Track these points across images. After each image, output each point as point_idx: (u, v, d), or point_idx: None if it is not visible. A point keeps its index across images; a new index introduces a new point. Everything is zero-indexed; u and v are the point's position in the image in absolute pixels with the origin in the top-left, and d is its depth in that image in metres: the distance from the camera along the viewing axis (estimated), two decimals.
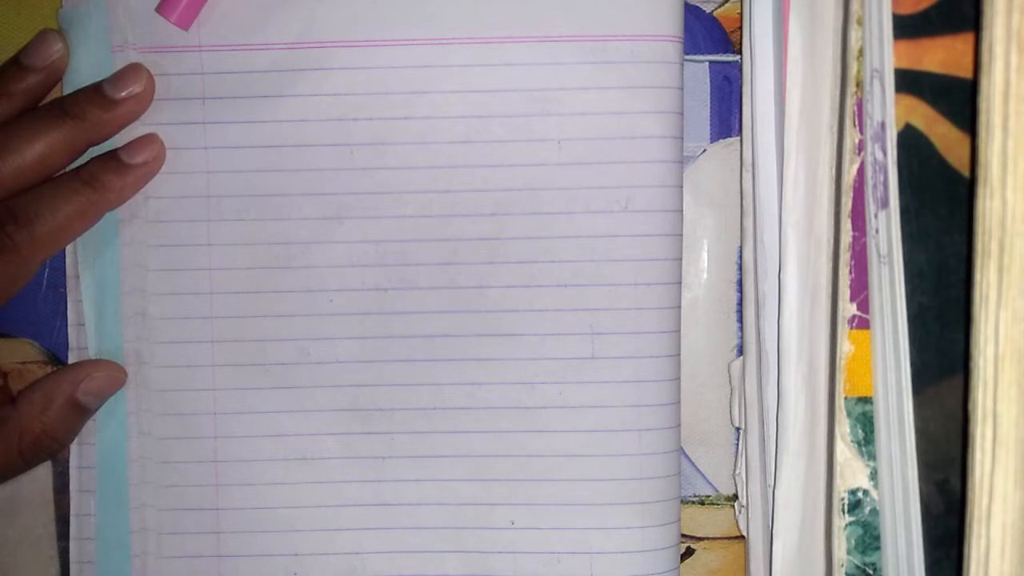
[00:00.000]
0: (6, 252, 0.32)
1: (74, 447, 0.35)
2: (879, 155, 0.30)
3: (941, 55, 0.30)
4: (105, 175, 0.34)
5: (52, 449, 0.34)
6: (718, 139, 0.36)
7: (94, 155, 0.34)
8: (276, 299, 0.35)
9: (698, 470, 0.36)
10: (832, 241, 0.32)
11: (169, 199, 0.35)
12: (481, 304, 0.34)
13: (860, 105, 0.31)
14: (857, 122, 0.31)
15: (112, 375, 0.34)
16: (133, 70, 0.34)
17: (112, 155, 0.34)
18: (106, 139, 0.34)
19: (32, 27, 0.35)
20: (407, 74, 0.34)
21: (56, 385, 0.34)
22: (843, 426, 0.31)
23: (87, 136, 0.34)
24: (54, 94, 0.35)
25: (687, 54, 0.35)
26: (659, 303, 0.34)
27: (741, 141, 0.35)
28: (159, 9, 0.34)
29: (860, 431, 0.31)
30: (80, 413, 0.34)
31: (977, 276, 0.27)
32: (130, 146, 0.34)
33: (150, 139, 0.34)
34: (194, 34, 0.34)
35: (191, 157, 0.35)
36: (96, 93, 0.34)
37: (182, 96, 0.34)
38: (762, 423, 0.34)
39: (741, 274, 0.36)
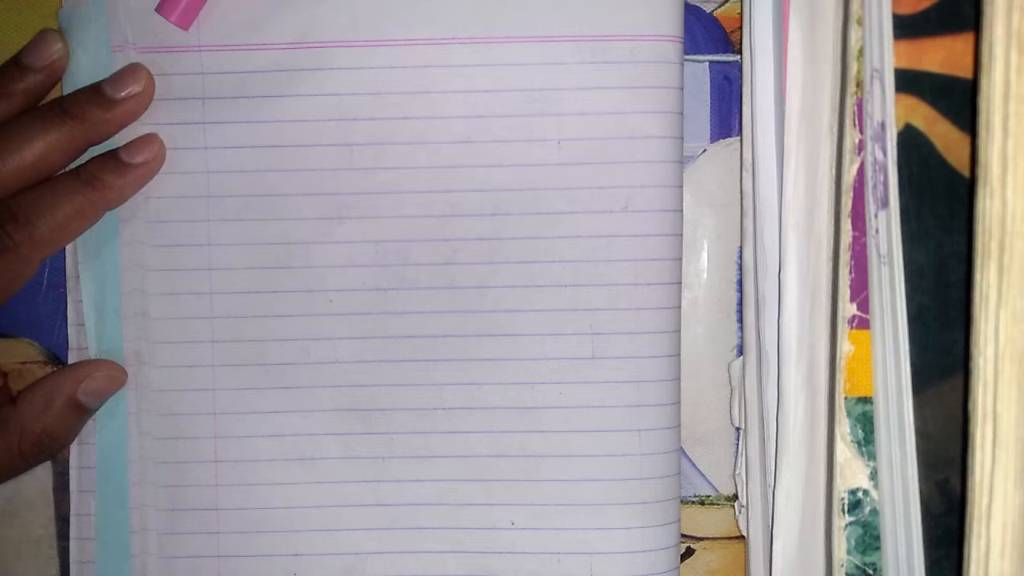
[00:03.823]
0: (6, 252, 0.32)
1: (74, 447, 0.35)
2: (879, 155, 0.30)
3: (941, 55, 0.30)
4: (105, 174, 0.34)
5: (52, 449, 0.34)
6: (718, 139, 0.36)
7: (94, 155, 0.34)
8: (276, 299, 0.35)
9: (698, 470, 0.36)
10: (832, 241, 0.32)
11: (169, 199, 0.35)
12: (481, 304, 0.34)
13: (860, 105, 0.31)
14: (857, 122, 0.31)
15: (112, 375, 0.34)
16: (133, 70, 0.34)
17: (112, 155, 0.34)
18: (106, 139, 0.34)
19: (32, 27, 0.35)
20: (407, 74, 0.34)
21: (56, 385, 0.34)
22: (843, 426, 0.31)
23: (87, 136, 0.34)
24: (54, 94, 0.35)
25: (687, 54, 0.35)
26: (659, 303, 0.34)
27: (741, 141, 0.35)
28: (159, 9, 0.34)
29: (860, 431, 0.31)
30: (80, 413, 0.34)
31: (977, 276, 0.27)
32: (130, 146, 0.34)
33: (150, 139, 0.34)
34: (194, 34, 0.34)
35: (191, 157, 0.35)
36: (96, 93, 0.34)
37: (182, 96, 0.34)
38: (762, 423, 0.34)
39: (741, 274, 0.36)
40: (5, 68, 0.34)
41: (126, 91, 0.34)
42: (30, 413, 0.33)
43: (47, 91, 0.34)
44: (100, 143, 0.34)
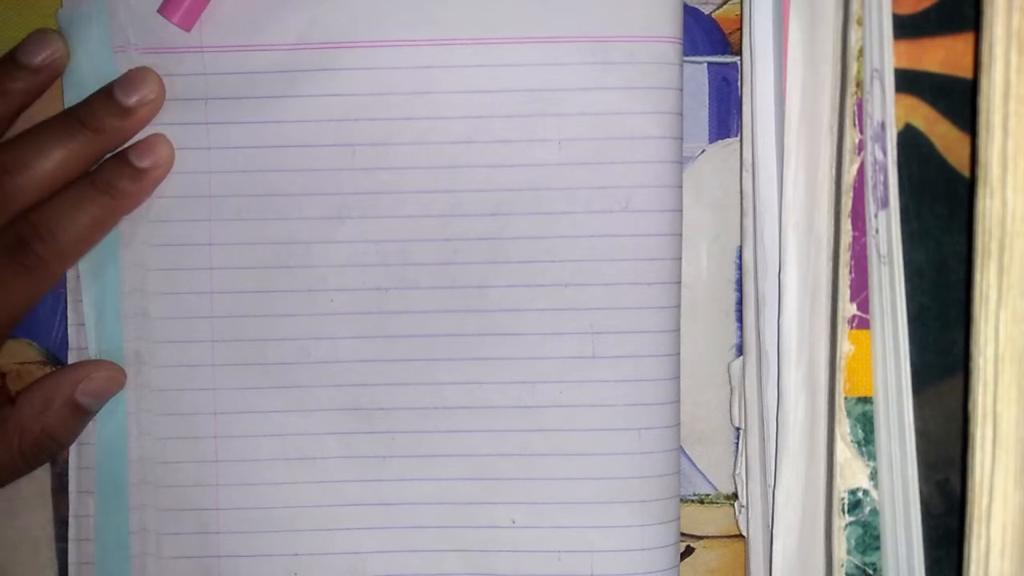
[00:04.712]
0: (35, 269, 0.32)
1: (73, 448, 0.35)
2: (879, 155, 0.30)
3: (941, 55, 0.30)
4: (120, 181, 0.33)
5: (52, 450, 0.34)
6: (717, 140, 0.36)
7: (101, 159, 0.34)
8: (277, 299, 0.35)
9: (698, 469, 0.36)
10: (832, 241, 0.32)
11: (170, 199, 0.35)
12: (482, 303, 0.34)
13: (860, 105, 0.31)
14: (857, 122, 0.31)
15: (111, 376, 0.34)
16: (143, 75, 0.34)
17: (124, 160, 0.34)
18: (120, 146, 0.34)
19: (32, 27, 0.35)
20: (409, 75, 0.34)
21: (55, 385, 0.33)
22: (843, 426, 0.31)
23: (104, 146, 0.34)
24: (54, 94, 0.35)
25: (686, 55, 0.35)
26: (659, 302, 0.34)
27: (740, 141, 0.35)
28: (161, 10, 0.34)
29: (860, 431, 0.31)
30: (80, 414, 0.34)
31: (977, 276, 0.27)
32: (140, 150, 0.34)
33: (160, 141, 0.34)
34: (196, 35, 0.34)
35: (193, 157, 0.34)
36: (110, 102, 0.33)
37: (185, 97, 0.34)
38: (762, 423, 0.34)
39: (741, 274, 0.36)
40: (2, 66, 0.34)
41: (139, 97, 0.33)
42: (29, 413, 0.33)
43: (44, 90, 0.34)
44: (114, 150, 0.34)
